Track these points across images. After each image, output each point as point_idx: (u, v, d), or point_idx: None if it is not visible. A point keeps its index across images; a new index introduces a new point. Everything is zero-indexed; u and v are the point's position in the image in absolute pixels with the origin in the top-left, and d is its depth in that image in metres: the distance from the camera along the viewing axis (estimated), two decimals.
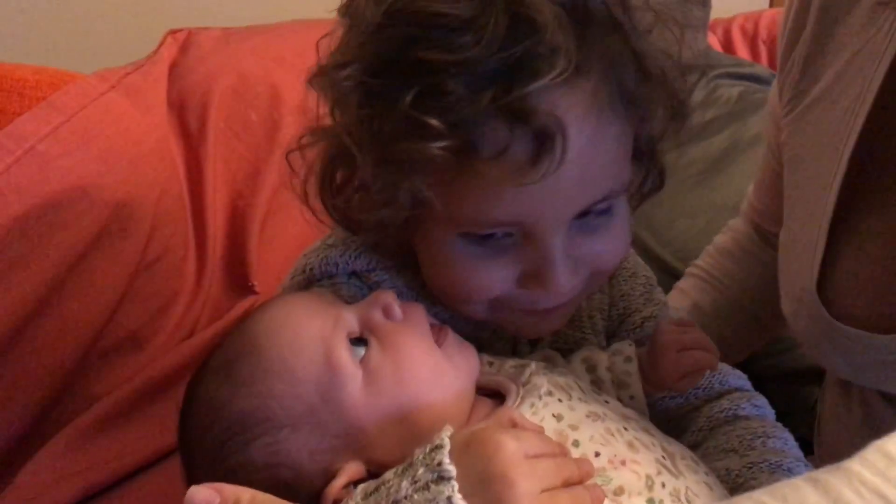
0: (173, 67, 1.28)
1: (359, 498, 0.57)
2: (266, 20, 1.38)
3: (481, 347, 0.70)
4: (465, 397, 0.63)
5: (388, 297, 0.64)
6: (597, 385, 0.70)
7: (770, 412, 0.74)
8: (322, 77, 0.62)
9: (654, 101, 0.63)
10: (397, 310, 0.63)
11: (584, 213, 0.62)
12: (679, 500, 0.60)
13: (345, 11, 0.62)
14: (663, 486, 0.60)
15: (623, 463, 0.60)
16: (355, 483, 0.59)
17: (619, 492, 0.58)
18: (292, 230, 1.27)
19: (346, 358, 0.61)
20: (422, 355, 0.62)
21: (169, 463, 1.03)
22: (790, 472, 0.66)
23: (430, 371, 0.61)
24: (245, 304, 1.22)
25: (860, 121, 0.73)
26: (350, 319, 0.63)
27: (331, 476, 0.60)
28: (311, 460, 0.60)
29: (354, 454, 0.60)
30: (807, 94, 0.81)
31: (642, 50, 0.61)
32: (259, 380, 0.61)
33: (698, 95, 1.33)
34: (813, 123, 0.80)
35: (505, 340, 0.73)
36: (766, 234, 1.01)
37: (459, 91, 0.55)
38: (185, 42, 1.31)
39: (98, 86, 1.17)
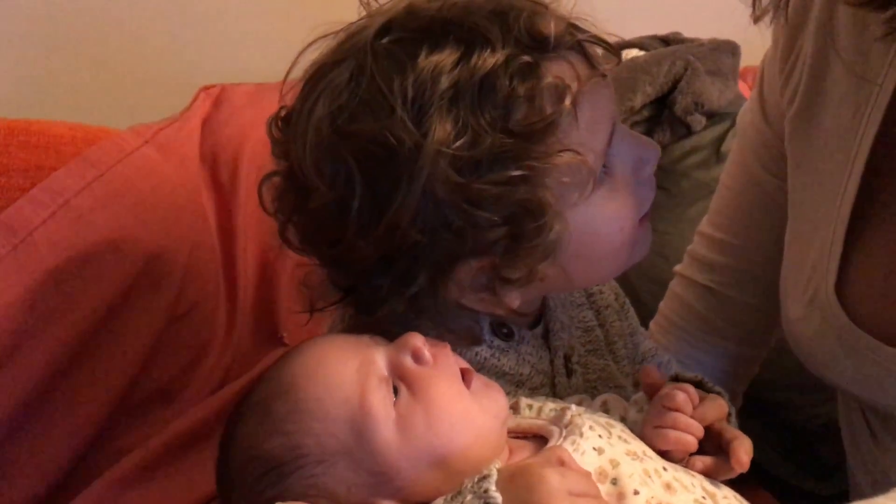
0: (206, 122, 1.29)
1: None
2: (298, 75, 1.39)
3: (520, 383, 0.73)
4: (495, 437, 0.64)
5: (417, 340, 0.65)
6: None
7: None
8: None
9: None
10: (426, 354, 0.64)
11: None
12: None
13: None
14: None
15: None
16: None
17: None
18: None
19: (378, 402, 0.62)
20: (451, 400, 0.63)
21: None
22: None
23: (461, 415, 0.63)
24: (274, 355, 1.21)
25: (874, 126, 0.73)
26: (380, 363, 0.64)
27: None
28: (349, 493, 0.62)
29: (390, 494, 0.61)
30: (813, 92, 0.80)
31: None
32: (295, 418, 0.63)
33: (729, 143, 1.33)
34: (819, 124, 0.79)
35: (544, 374, 0.76)
36: (719, 294, 0.98)
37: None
38: (218, 97, 1.33)
39: (132, 141, 1.19)
